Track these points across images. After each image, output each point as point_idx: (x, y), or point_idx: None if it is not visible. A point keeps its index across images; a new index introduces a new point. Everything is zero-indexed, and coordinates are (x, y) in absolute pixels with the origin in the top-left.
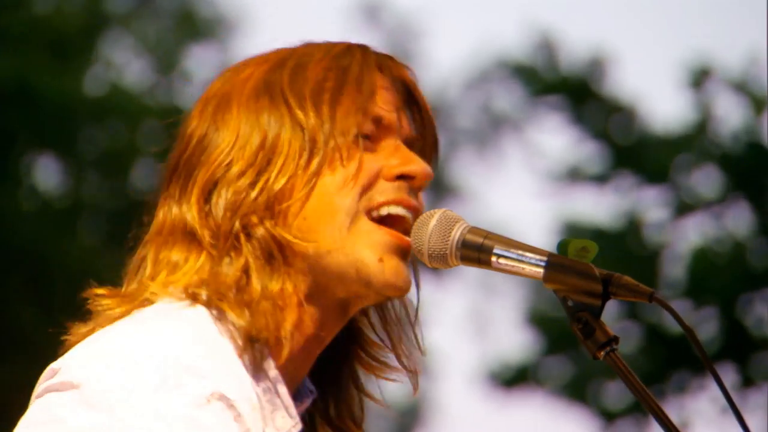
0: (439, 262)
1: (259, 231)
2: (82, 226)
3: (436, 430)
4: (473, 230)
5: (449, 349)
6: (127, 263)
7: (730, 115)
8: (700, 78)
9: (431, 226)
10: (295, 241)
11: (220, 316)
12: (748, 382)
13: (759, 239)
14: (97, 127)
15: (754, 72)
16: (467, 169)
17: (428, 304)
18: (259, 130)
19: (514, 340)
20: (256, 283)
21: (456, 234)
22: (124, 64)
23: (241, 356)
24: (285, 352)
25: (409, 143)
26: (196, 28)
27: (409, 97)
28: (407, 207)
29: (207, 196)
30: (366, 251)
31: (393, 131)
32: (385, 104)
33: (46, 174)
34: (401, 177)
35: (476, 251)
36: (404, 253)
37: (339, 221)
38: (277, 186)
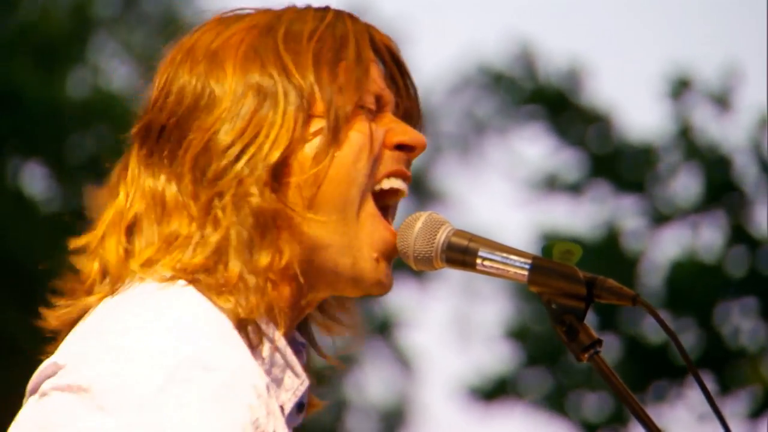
0: (424, 265)
1: (255, 201)
2: (68, 232)
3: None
4: (458, 233)
5: (432, 352)
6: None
7: (708, 125)
8: (678, 88)
9: (417, 229)
10: (296, 212)
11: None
12: (725, 390)
13: (736, 249)
14: (83, 132)
15: (732, 83)
16: (450, 175)
17: (411, 308)
18: (253, 99)
19: (494, 353)
20: (233, 263)
21: (441, 236)
22: (110, 69)
23: (238, 330)
24: (282, 323)
25: (398, 117)
26: (182, 32)
27: (395, 67)
28: (405, 179)
29: (201, 167)
30: (366, 248)
31: (387, 107)
32: (378, 79)
33: (33, 179)
34: (400, 147)
35: (461, 254)
36: (393, 256)
37: (352, 196)
38: (272, 158)
